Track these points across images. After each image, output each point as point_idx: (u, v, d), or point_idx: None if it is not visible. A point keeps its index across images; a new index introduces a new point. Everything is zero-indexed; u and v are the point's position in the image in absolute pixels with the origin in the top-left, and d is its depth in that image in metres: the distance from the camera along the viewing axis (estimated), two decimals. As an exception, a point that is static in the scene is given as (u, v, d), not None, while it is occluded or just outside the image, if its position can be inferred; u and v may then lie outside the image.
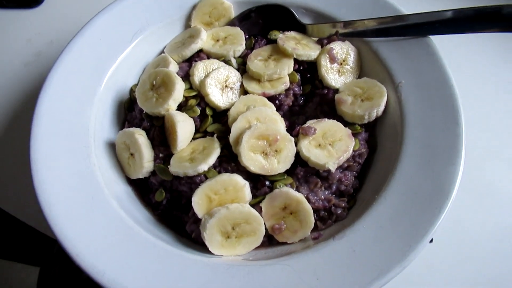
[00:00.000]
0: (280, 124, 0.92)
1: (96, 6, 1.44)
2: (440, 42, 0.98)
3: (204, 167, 0.85)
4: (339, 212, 0.89)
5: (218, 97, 0.97)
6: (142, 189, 0.97)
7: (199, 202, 0.84)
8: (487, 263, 1.00)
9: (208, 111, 0.97)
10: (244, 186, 0.85)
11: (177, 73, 1.01)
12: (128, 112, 1.05)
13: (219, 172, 0.89)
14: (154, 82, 0.96)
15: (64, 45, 1.40)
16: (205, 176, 0.88)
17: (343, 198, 0.92)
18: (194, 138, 0.95)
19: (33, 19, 1.45)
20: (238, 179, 0.86)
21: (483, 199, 1.07)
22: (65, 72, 0.98)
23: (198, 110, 0.96)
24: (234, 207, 0.82)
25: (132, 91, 1.06)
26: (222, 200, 0.85)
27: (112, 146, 0.98)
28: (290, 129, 0.98)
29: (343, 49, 1.04)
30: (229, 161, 0.90)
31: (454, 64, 0.96)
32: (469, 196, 1.06)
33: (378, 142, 1.00)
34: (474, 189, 1.07)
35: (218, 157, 0.89)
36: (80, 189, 0.86)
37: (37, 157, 0.87)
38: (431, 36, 0.98)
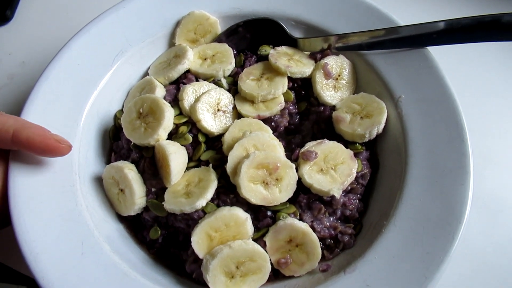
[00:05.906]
0: (279, 149, 0.87)
1: (67, 22, 1.36)
2: (438, 53, 0.94)
3: (202, 202, 0.79)
4: (346, 239, 0.85)
5: (211, 122, 0.91)
6: (134, 225, 0.91)
7: (199, 241, 0.78)
8: (494, 280, 0.97)
9: (200, 138, 0.91)
10: (246, 221, 0.80)
11: (164, 98, 0.95)
12: (114, 141, 0.98)
13: (218, 206, 0.83)
14: (141, 110, 0.89)
15: (37, 66, 1.33)
16: (203, 211, 0.82)
17: (349, 224, 0.87)
18: (187, 167, 0.89)
19: (2, 38, 1.35)
20: (239, 213, 0.80)
21: (486, 209, 1.04)
22: (43, 102, 0.90)
23: (190, 138, 0.90)
24: (237, 245, 0.77)
25: (116, 118, 0.99)
26: (223, 237, 0.79)
27: (99, 181, 0.91)
28: (287, 149, 0.93)
29: (337, 63, 1.00)
30: (227, 192, 0.84)
31: (453, 75, 0.93)
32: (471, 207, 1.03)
33: (380, 160, 0.96)
34: (476, 199, 1.04)
35: (216, 189, 0.83)
36: (69, 234, 0.79)
37: (17, 201, 0.80)
38: (428, 47, 0.95)
